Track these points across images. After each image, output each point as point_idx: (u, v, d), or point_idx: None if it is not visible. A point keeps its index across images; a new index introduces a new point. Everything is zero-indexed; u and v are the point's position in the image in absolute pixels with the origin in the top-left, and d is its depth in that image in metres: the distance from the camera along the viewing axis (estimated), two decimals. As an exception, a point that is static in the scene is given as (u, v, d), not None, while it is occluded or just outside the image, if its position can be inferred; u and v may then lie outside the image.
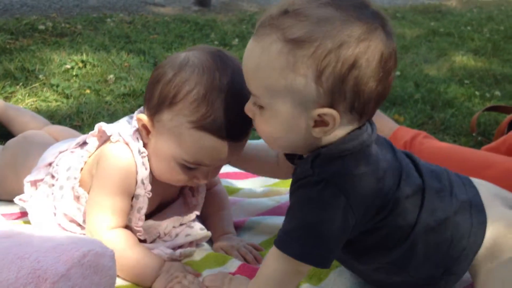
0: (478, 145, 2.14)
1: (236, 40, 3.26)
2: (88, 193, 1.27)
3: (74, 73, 2.40)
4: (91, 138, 1.28)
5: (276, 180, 1.72)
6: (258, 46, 0.98)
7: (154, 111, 1.17)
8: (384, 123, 1.91)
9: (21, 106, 1.95)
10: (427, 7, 5.26)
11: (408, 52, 3.52)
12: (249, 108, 1.05)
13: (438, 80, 2.92)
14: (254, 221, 1.46)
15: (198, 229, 1.37)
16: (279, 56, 0.95)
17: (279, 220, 1.45)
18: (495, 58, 3.56)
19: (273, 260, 1.05)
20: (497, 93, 2.80)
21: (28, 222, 1.35)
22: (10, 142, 1.54)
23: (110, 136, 1.22)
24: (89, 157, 1.29)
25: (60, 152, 1.38)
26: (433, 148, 1.81)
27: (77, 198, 1.29)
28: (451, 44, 3.79)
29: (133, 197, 1.24)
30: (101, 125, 1.26)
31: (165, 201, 1.36)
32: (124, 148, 1.21)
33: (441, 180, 1.16)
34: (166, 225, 1.33)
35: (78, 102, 2.13)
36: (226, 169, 1.74)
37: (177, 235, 1.35)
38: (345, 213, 0.98)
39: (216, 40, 3.21)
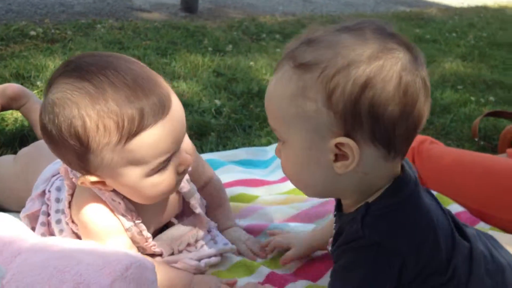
0: (481, 150, 2.16)
1: (230, 46, 3.24)
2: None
3: (71, 80, 2.33)
4: (62, 172, 1.19)
5: (291, 187, 1.70)
6: (274, 78, 0.95)
7: (84, 168, 1.04)
8: None
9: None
10: (410, 15, 5.32)
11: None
12: (278, 148, 0.99)
13: (432, 86, 2.95)
14: (277, 227, 1.44)
15: (222, 245, 1.34)
16: (290, 83, 0.90)
17: (303, 228, 1.43)
18: (482, 64, 3.62)
19: None
20: (491, 98, 2.84)
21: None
22: (22, 152, 1.48)
23: (72, 178, 1.15)
24: (72, 190, 1.20)
25: (53, 176, 1.30)
26: (441, 153, 1.82)
27: (76, 234, 1.21)
28: (438, 51, 3.84)
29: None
30: (63, 168, 1.17)
31: (165, 221, 1.30)
32: (87, 190, 1.12)
33: (485, 239, 1.09)
34: (179, 242, 1.29)
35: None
36: (241, 176, 1.71)
37: (202, 246, 1.32)
38: (400, 275, 0.91)
39: (209, 46, 3.18)
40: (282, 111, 0.91)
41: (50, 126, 1.00)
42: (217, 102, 2.31)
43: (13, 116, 1.87)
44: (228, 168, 1.76)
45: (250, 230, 1.44)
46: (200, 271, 1.26)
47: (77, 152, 1.00)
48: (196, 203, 1.30)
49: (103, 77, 0.98)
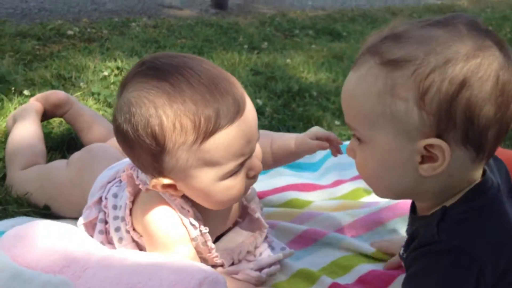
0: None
1: (265, 43, 3.20)
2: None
3: (111, 81, 2.32)
4: (125, 180, 1.16)
5: (345, 192, 1.66)
6: (355, 75, 0.91)
7: (158, 170, 1.02)
8: None
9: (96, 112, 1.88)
10: (441, 8, 5.23)
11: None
12: (350, 147, 0.95)
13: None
14: (336, 237, 1.40)
15: (279, 249, 1.31)
16: (376, 80, 0.86)
17: (358, 242, 1.39)
18: (522, 59, 3.53)
19: None
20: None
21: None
22: (74, 157, 1.45)
23: (139, 185, 1.11)
24: (133, 197, 1.17)
25: (109, 183, 1.27)
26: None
27: (136, 242, 1.18)
28: (475, 45, 3.76)
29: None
30: (131, 169, 1.13)
31: (223, 230, 1.26)
32: (156, 196, 1.10)
33: None
34: (240, 251, 1.25)
35: (123, 111, 2.06)
36: (292, 180, 1.68)
37: (260, 254, 1.29)
38: (478, 283, 0.85)
39: (244, 43, 3.14)
40: (366, 110, 0.88)
41: (125, 126, 0.99)
42: (259, 101, 2.27)
43: (59, 119, 1.86)
44: (278, 171, 1.72)
45: (309, 234, 1.40)
46: (261, 282, 1.23)
47: (153, 152, 0.98)
48: (256, 207, 1.26)
49: (180, 76, 0.97)
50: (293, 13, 4.23)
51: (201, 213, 1.14)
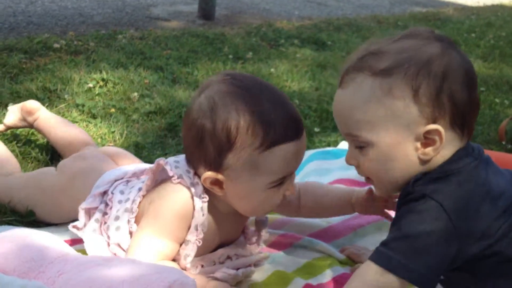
0: (508, 153, 2.14)
1: (250, 53, 3.25)
2: None
3: (96, 92, 2.36)
4: (150, 174, 1.24)
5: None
6: (348, 90, 1.05)
7: (217, 164, 1.14)
8: None
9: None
10: (426, 15, 5.30)
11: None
12: (351, 156, 1.08)
13: (454, 88, 2.93)
14: (310, 240, 1.44)
15: (256, 253, 1.35)
16: (372, 89, 1.01)
17: (331, 248, 1.42)
18: (503, 64, 3.59)
19: (366, 273, 1.00)
20: (516, 100, 2.82)
21: (80, 251, 1.31)
22: (66, 163, 1.48)
23: (172, 177, 1.18)
24: (146, 191, 1.25)
25: (116, 180, 1.34)
26: None
27: (131, 233, 1.24)
28: (458, 52, 3.81)
29: (182, 242, 1.20)
30: (161, 163, 1.21)
31: (226, 242, 1.32)
32: (185, 191, 1.18)
33: None
34: (221, 254, 1.30)
35: (107, 122, 2.10)
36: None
37: (237, 258, 1.32)
38: (447, 230, 0.97)
39: (230, 54, 3.19)
40: (369, 115, 1.01)
41: (203, 121, 1.13)
42: (241, 110, 2.31)
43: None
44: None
45: (283, 239, 1.44)
46: (237, 280, 1.27)
47: (221, 147, 1.12)
48: (265, 236, 1.35)
49: (259, 90, 1.14)
50: (280, 23, 4.29)
51: (217, 221, 1.22)
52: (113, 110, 2.21)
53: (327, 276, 1.32)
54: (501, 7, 6.34)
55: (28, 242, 1.07)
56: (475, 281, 1.07)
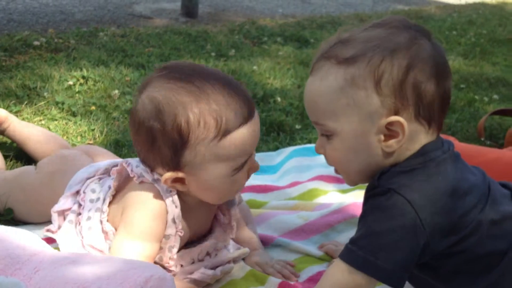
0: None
1: (233, 51, 3.24)
2: (116, 230, 1.22)
3: (76, 90, 2.35)
4: (115, 174, 1.23)
5: (300, 193, 1.71)
6: (315, 79, 1.04)
7: (175, 163, 1.12)
8: None
9: (36, 125, 1.88)
10: (408, 13, 5.33)
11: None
12: (319, 145, 1.07)
13: (435, 85, 2.96)
14: (283, 241, 1.44)
15: (234, 249, 1.35)
16: (336, 78, 1.00)
17: (306, 245, 1.43)
18: (484, 61, 3.63)
19: (335, 272, 1.00)
20: (495, 96, 2.85)
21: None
22: (44, 162, 1.47)
23: (133, 177, 1.18)
24: (115, 191, 1.24)
25: (87, 179, 1.33)
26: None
27: (105, 233, 1.24)
28: (439, 49, 3.85)
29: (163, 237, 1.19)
30: (124, 165, 1.20)
31: (198, 234, 1.32)
32: (151, 189, 1.16)
33: None
34: (200, 250, 1.29)
35: (87, 120, 2.09)
36: (250, 182, 1.71)
37: (216, 254, 1.32)
38: (413, 224, 0.95)
39: (212, 51, 3.18)
40: (333, 105, 1.00)
41: (151, 122, 1.09)
42: (223, 108, 2.31)
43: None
44: (237, 175, 1.76)
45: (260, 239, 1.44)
46: (216, 279, 1.27)
47: (175, 146, 1.09)
48: (235, 214, 1.33)
49: (203, 80, 1.10)
50: (263, 21, 4.29)
51: (186, 215, 1.20)
52: (93, 107, 2.20)
53: (303, 275, 1.32)
54: (482, 5, 6.40)
55: (4, 239, 1.07)
56: (439, 278, 1.06)
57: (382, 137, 0.99)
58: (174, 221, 1.18)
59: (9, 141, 1.84)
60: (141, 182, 1.17)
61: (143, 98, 1.11)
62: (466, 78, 3.17)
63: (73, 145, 1.86)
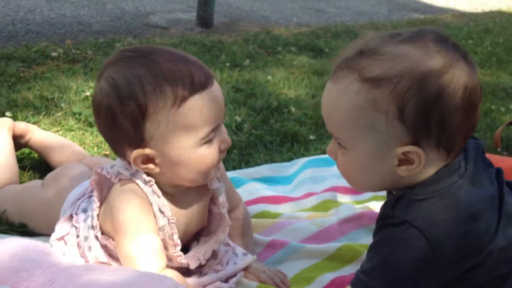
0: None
1: (247, 61, 3.26)
2: (113, 239, 1.22)
3: (93, 100, 2.37)
4: (94, 185, 1.23)
5: (315, 203, 1.71)
6: (335, 88, 0.98)
7: (139, 139, 1.12)
8: None
9: (57, 135, 1.91)
10: (424, 22, 5.32)
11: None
12: (331, 149, 1.04)
13: (451, 95, 2.94)
14: (297, 246, 1.45)
15: (241, 255, 1.36)
16: (357, 96, 0.94)
17: (319, 249, 1.43)
18: (500, 71, 3.60)
19: None
20: (512, 106, 2.83)
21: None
22: (49, 177, 1.51)
23: (111, 178, 1.18)
24: (100, 202, 1.24)
25: (78, 199, 1.34)
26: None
27: (104, 246, 1.24)
28: (455, 58, 3.82)
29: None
30: (98, 170, 1.21)
31: (195, 227, 1.32)
32: (130, 185, 1.17)
33: None
34: (205, 250, 1.30)
35: (103, 130, 2.11)
36: (264, 193, 1.73)
37: (227, 263, 1.34)
38: (427, 257, 0.93)
39: (227, 61, 3.20)
40: (349, 122, 0.96)
41: (108, 101, 1.09)
42: (238, 118, 2.33)
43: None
44: (251, 185, 1.77)
45: (272, 245, 1.45)
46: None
47: (136, 119, 1.08)
48: (224, 202, 1.32)
49: (156, 54, 1.11)
50: (278, 30, 4.30)
51: (176, 207, 1.21)
52: (109, 118, 2.22)
53: (317, 285, 1.32)
54: (499, 13, 6.36)
55: (20, 251, 1.08)
56: None
57: (396, 161, 0.96)
58: (160, 211, 1.18)
59: (27, 151, 1.86)
60: (120, 180, 1.17)
61: (101, 82, 1.13)
62: (483, 88, 3.12)
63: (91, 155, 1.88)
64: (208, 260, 1.31)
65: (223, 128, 1.20)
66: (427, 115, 0.91)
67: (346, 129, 0.97)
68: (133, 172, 1.17)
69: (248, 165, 1.99)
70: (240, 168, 1.95)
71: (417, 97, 0.90)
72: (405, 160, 0.95)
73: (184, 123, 1.10)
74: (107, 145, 2.00)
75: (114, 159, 1.66)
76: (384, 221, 0.99)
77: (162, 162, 1.14)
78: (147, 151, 1.12)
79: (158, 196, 1.18)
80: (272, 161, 2.03)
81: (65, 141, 1.83)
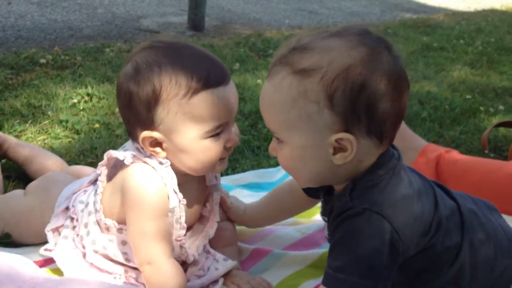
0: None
1: (237, 64, 3.26)
2: (117, 221, 1.25)
3: (81, 107, 2.37)
4: (102, 167, 1.27)
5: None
6: (271, 84, 1.03)
7: (149, 120, 1.16)
8: (414, 139, 1.95)
9: (34, 145, 1.91)
10: (416, 22, 5.32)
11: (406, 68, 3.54)
12: (273, 147, 1.08)
13: (440, 96, 2.95)
14: (280, 253, 1.45)
15: (223, 261, 1.37)
16: (290, 88, 0.99)
17: (302, 253, 1.43)
18: (491, 71, 3.61)
19: None
20: (501, 107, 2.83)
21: (53, 270, 1.33)
22: (32, 185, 1.51)
23: (123, 160, 1.20)
24: (104, 187, 1.27)
25: (74, 193, 1.37)
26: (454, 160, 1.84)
27: (107, 229, 1.27)
28: (446, 59, 3.83)
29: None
30: (111, 153, 1.24)
31: (193, 217, 1.35)
32: (144, 166, 1.19)
33: (476, 203, 1.19)
34: (196, 246, 1.32)
35: (90, 138, 2.11)
36: (249, 200, 1.71)
37: (208, 268, 1.35)
38: (392, 239, 0.99)
39: (216, 65, 3.20)
40: (284, 115, 1.00)
41: (129, 83, 1.16)
42: (225, 123, 2.32)
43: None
44: (236, 192, 1.77)
45: (255, 253, 1.45)
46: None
47: (149, 102, 1.14)
48: (218, 198, 1.37)
49: (181, 48, 1.19)
50: (269, 33, 4.30)
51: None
52: (97, 125, 2.22)
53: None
54: (491, 11, 6.36)
55: (3, 270, 1.08)
56: (405, 277, 1.09)
57: (331, 150, 1.00)
58: (174, 191, 1.21)
59: (11, 162, 1.86)
60: (133, 162, 1.19)
61: (127, 66, 1.19)
62: (472, 88, 3.15)
63: (75, 164, 1.88)
64: (189, 266, 1.33)
65: (235, 128, 1.24)
66: (354, 103, 0.95)
67: (283, 122, 1.01)
68: (147, 155, 1.21)
69: (234, 171, 1.99)
70: (227, 174, 1.95)
71: (344, 85, 0.95)
72: (339, 148, 0.99)
73: (192, 114, 1.15)
74: (92, 153, 2.00)
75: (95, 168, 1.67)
76: (343, 214, 1.01)
77: (169, 147, 1.19)
78: (155, 134, 1.17)
79: (172, 177, 1.21)
80: (259, 166, 2.03)
81: (43, 150, 1.84)
